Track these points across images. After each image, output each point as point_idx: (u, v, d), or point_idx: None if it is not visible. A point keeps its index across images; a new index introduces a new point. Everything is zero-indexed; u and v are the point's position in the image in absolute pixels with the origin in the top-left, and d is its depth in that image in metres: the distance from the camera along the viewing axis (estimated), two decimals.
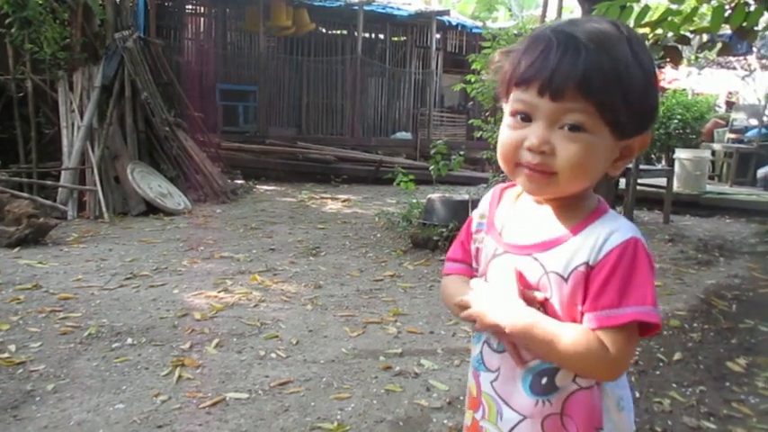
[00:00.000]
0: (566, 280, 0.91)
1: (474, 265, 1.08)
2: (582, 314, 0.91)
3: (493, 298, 0.96)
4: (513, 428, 0.99)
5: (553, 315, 0.93)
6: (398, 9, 12.37)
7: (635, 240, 0.89)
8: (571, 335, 0.89)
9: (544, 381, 0.96)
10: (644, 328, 0.90)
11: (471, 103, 12.02)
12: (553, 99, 0.86)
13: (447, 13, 13.23)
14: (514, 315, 0.92)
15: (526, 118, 0.90)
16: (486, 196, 1.09)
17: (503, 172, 1.00)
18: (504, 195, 1.06)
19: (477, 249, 1.06)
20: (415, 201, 5.87)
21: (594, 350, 0.88)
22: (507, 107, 0.94)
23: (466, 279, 1.07)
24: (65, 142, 6.35)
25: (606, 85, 0.85)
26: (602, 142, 0.88)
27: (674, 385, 2.64)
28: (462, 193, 5.57)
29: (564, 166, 0.88)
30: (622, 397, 1.00)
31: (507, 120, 0.93)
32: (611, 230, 0.90)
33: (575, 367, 0.92)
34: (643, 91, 0.88)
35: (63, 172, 6.18)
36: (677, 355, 2.95)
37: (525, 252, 0.96)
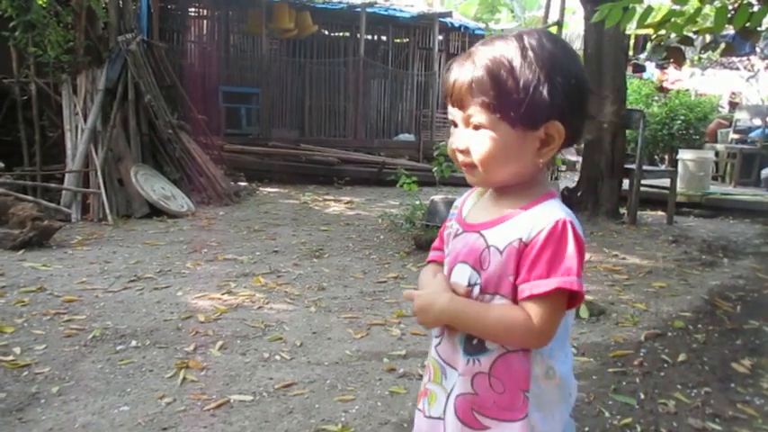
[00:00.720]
0: (501, 252, 1.05)
1: (444, 248, 1.23)
2: (513, 285, 1.04)
3: (428, 294, 1.13)
4: (453, 386, 1.12)
5: (490, 286, 1.07)
6: (401, 11, 12.39)
7: (564, 221, 1.02)
8: (495, 312, 1.05)
9: (475, 341, 1.09)
10: (572, 300, 1.03)
11: None
12: (459, 107, 1.07)
13: (449, 14, 13.25)
14: (444, 307, 1.09)
15: (455, 125, 1.11)
16: (465, 193, 1.28)
17: None
18: (476, 190, 1.23)
19: (448, 234, 1.21)
20: (417, 202, 5.87)
21: (519, 322, 1.02)
22: None
23: (439, 267, 1.23)
24: (68, 145, 6.37)
25: (490, 88, 1.02)
26: (504, 135, 1.04)
27: (679, 386, 2.63)
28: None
29: (476, 159, 1.06)
30: (552, 367, 1.09)
31: (451, 128, 1.14)
32: (546, 212, 1.04)
33: (504, 339, 1.06)
34: (530, 86, 1.01)
35: (67, 175, 6.19)
36: (682, 357, 2.94)
37: (474, 230, 1.12)
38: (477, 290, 1.08)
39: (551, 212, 1.04)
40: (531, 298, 1.01)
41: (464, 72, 1.05)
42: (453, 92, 1.07)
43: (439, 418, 1.14)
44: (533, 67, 1.02)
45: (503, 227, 1.07)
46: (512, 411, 1.07)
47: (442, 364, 1.15)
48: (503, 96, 1.02)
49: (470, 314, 1.07)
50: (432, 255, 1.30)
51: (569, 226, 1.01)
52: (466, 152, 1.08)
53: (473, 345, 1.09)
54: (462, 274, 1.11)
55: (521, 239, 1.03)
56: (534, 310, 1.01)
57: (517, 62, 1.02)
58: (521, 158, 1.06)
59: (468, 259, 1.10)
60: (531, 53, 1.02)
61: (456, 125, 1.11)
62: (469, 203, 1.21)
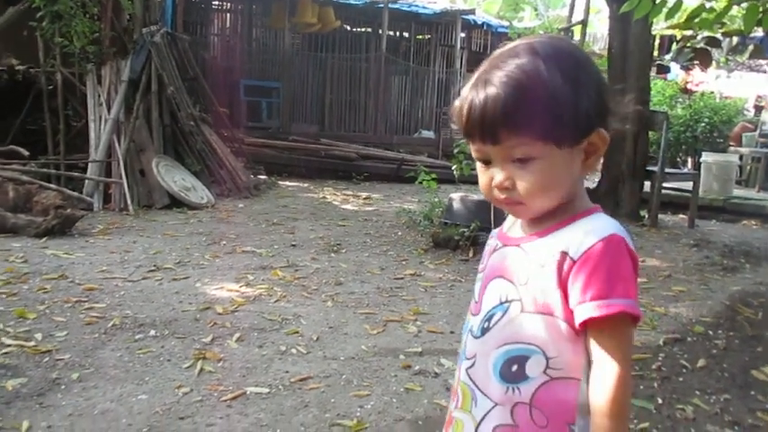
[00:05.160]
0: (543, 266, 0.96)
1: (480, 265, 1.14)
2: (559, 302, 0.94)
3: None
4: (485, 415, 1.00)
5: (531, 303, 0.97)
6: (423, 7, 12.34)
7: (618, 237, 0.93)
8: (601, 403, 0.91)
9: (514, 368, 0.98)
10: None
11: None
12: (494, 144, 0.94)
13: (472, 12, 13.18)
14: None
15: (485, 161, 0.99)
16: None
17: None
18: None
19: (487, 252, 1.13)
20: (436, 200, 5.85)
21: (613, 385, 0.90)
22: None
23: None
24: (92, 135, 6.44)
25: (531, 115, 0.91)
26: (554, 159, 0.94)
27: (698, 392, 2.60)
28: None
29: (526, 195, 0.95)
30: None
31: (477, 164, 1.02)
32: (595, 227, 0.95)
33: (628, 405, 0.93)
34: (570, 100, 0.93)
35: (90, 164, 6.27)
36: (701, 362, 2.91)
37: (514, 243, 1.04)
38: (515, 308, 0.99)
39: (603, 227, 0.95)
40: (594, 319, 0.91)
41: (492, 103, 0.92)
42: (483, 127, 0.94)
43: None
44: (564, 77, 0.93)
45: (545, 240, 0.99)
46: None
47: (473, 388, 1.03)
48: (544, 120, 0.92)
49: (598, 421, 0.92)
50: None
51: (624, 243, 0.93)
52: (511, 189, 0.96)
53: (512, 371, 0.98)
54: (497, 290, 1.02)
55: (565, 253, 0.94)
56: (605, 344, 0.91)
57: (546, 77, 0.92)
58: (569, 178, 0.98)
59: (504, 273, 1.02)
60: (554, 63, 0.94)
61: (487, 162, 0.98)
62: (511, 219, 1.11)
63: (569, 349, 0.95)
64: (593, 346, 0.93)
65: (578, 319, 0.92)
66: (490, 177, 0.98)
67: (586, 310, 0.91)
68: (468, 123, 0.96)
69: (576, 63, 0.96)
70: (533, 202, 0.97)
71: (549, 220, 1.00)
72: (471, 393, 1.03)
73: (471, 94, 0.96)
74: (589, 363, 0.94)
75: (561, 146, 0.94)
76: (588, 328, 0.92)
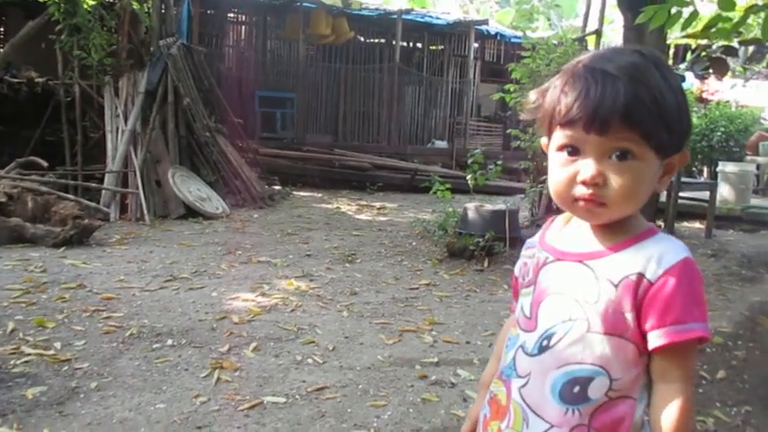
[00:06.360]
0: (615, 286, 0.93)
1: (519, 279, 1.09)
2: (632, 325, 0.92)
3: None
4: None
5: (602, 324, 0.94)
6: (437, 18, 12.40)
7: (691, 260, 0.92)
8: (667, 418, 0.91)
9: (576, 389, 0.95)
10: None
11: (509, 112, 11.95)
12: (600, 134, 0.90)
13: (485, 22, 13.20)
14: None
15: (574, 151, 0.94)
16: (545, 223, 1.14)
17: (540, 182, 1.03)
18: (555, 220, 1.10)
19: (525, 264, 1.08)
20: (450, 209, 5.85)
21: (681, 407, 0.91)
22: (552, 143, 0.98)
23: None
24: (109, 146, 6.52)
25: (647, 113, 0.89)
26: (649, 166, 0.93)
27: (718, 404, 2.57)
28: (499, 203, 5.53)
29: (616, 195, 0.92)
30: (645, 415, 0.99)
31: (555, 157, 0.97)
32: (668, 248, 0.94)
33: (692, 419, 0.94)
34: (677, 112, 0.92)
35: (107, 175, 6.33)
36: (721, 374, 2.88)
37: (576, 259, 0.99)
38: (579, 327, 0.95)
39: (676, 249, 0.93)
40: (672, 343, 0.90)
41: (613, 91, 0.89)
42: (597, 113, 0.89)
43: None
44: (672, 90, 0.92)
45: (613, 259, 0.95)
46: None
47: (526, 409, 0.99)
48: (656, 122, 0.90)
49: None
50: (512, 304, 1.15)
51: (695, 266, 0.93)
52: (600, 186, 0.92)
53: (573, 393, 0.95)
54: (557, 307, 0.98)
55: (642, 275, 0.92)
56: (677, 358, 0.92)
57: (662, 83, 0.91)
58: (650, 190, 0.95)
59: (565, 290, 0.97)
60: (667, 73, 0.93)
61: (576, 152, 0.94)
62: (554, 232, 1.07)
63: (632, 370, 0.94)
64: (662, 367, 0.93)
65: (655, 343, 0.91)
66: (575, 171, 0.93)
67: (666, 334, 0.90)
68: (575, 108, 0.91)
69: (678, 80, 0.95)
70: (618, 204, 0.93)
71: (613, 234, 0.97)
72: (523, 414, 1.00)
73: (582, 80, 0.92)
74: (649, 382, 0.95)
75: (659, 153, 0.93)
76: (660, 350, 0.92)
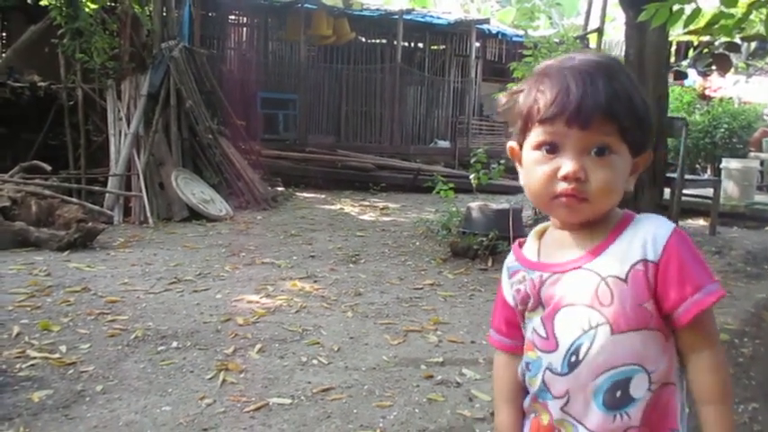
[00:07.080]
0: (624, 281, 0.94)
1: (519, 307, 1.06)
2: (653, 312, 0.94)
3: None
4: None
5: (623, 322, 0.94)
6: (438, 18, 12.39)
7: (678, 228, 0.96)
8: (709, 383, 0.95)
9: (618, 394, 0.95)
10: None
11: None
12: (582, 128, 0.92)
13: (487, 21, 13.19)
14: None
15: (552, 149, 0.95)
16: (509, 257, 1.11)
17: None
18: (526, 241, 1.10)
19: (518, 290, 1.05)
20: (454, 209, 5.84)
21: (718, 371, 0.95)
22: (528, 143, 0.98)
23: (513, 365, 1.10)
24: (112, 149, 6.53)
25: (624, 108, 0.93)
26: (625, 162, 0.96)
27: None
28: (502, 202, 5.53)
29: (597, 190, 0.93)
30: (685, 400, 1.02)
31: (531, 156, 0.97)
32: (655, 225, 0.97)
33: (730, 377, 0.98)
34: (645, 112, 0.97)
35: (110, 178, 6.35)
36: None
37: (573, 266, 0.98)
38: (603, 332, 0.94)
39: (659, 224, 0.97)
40: (700, 311, 0.92)
41: (594, 88, 0.92)
42: (579, 108, 0.91)
43: None
44: (639, 90, 0.97)
45: (609, 255, 0.96)
46: None
47: (575, 423, 0.98)
48: (633, 119, 0.94)
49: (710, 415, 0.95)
50: (496, 339, 1.14)
51: (683, 232, 0.97)
52: (582, 181, 0.93)
53: (617, 398, 0.95)
54: (573, 319, 0.97)
55: (645, 261, 0.93)
56: (704, 332, 0.95)
57: (630, 85, 0.96)
58: (623, 187, 0.97)
59: (578, 300, 0.96)
60: (631, 75, 0.97)
61: (554, 150, 0.95)
62: (532, 250, 1.06)
63: (664, 357, 0.96)
64: (691, 340, 0.96)
65: (682, 319, 0.93)
66: (554, 168, 0.94)
67: (692, 305, 0.92)
68: (556, 104, 0.93)
69: (638, 84, 1.00)
70: (599, 199, 0.94)
71: (596, 232, 0.98)
72: (573, 427, 0.99)
73: (560, 77, 0.94)
74: (681, 364, 0.97)
75: (632, 150, 0.96)
76: (687, 324, 0.94)
